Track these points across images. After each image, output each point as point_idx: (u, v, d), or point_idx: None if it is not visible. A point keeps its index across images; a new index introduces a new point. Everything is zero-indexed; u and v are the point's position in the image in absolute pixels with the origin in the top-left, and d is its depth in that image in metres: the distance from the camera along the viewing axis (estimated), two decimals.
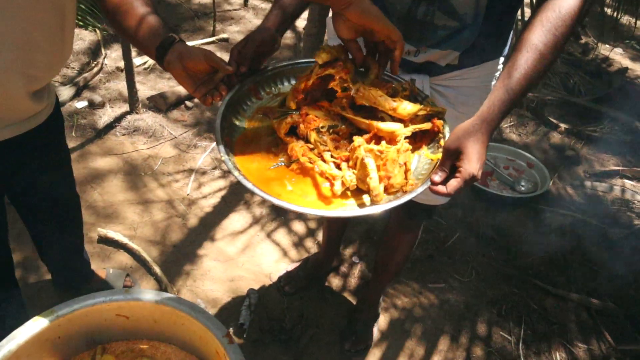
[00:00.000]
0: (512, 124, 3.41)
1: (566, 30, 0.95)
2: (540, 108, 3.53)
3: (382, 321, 2.05)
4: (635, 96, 3.64)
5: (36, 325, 1.27)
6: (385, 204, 0.92)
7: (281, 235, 2.34)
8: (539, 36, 0.95)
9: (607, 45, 4.61)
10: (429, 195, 1.41)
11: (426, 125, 1.07)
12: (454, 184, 0.90)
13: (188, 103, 3.05)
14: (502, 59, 1.30)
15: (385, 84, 1.12)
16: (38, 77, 1.11)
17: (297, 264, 2.15)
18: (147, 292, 1.39)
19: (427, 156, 1.05)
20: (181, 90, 3.01)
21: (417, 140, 1.07)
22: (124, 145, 2.67)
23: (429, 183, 0.93)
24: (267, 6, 4.42)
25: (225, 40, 3.81)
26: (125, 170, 2.51)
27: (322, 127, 1.07)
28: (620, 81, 3.96)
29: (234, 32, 3.94)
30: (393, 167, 0.96)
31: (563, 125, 3.38)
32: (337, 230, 2.01)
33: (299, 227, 2.39)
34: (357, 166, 0.96)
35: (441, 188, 0.91)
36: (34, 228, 1.58)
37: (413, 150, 1.05)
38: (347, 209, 0.94)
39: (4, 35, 0.97)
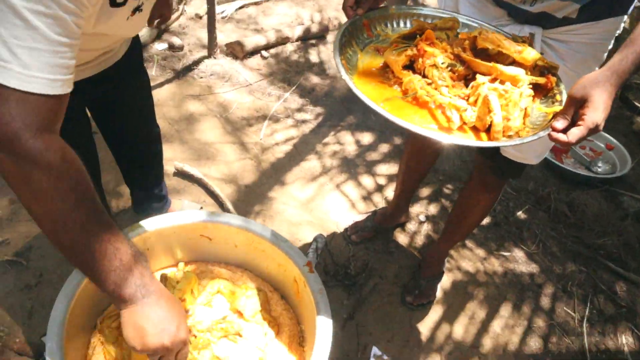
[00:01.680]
0: None
1: None
2: (626, 91, 3.34)
3: (445, 281, 2.05)
4: None
5: (130, 234, 1.35)
6: (505, 141, 0.91)
7: (350, 188, 2.36)
8: None
9: None
10: (523, 152, 1.40)
11: (541, 80, 1.05)
12: (576, 132, 0.88)
13: (264, 53, 3.08)
14: (625, 17, 1.23)
15: (506, 39, 1.10)
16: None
17: (365, 215, 2.17)
18: (234, 217, 1.44)
19: (540, 109, 1.02)
20: (258, 40, 3.04)
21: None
22: (200, 87, 2.74)
23: (548, 130, 0.91)
24: None
25: None
26: (201, 112, 2.59)
27: (442, 63, 1.05)
28: None
29: None
30: (514, 110, 0.95)
31: None
32: (412, 185, 2.01)
33: (367, 181, 2.40)
34: (478, 103, 0.95)
35: (561, 136, 0.89)
36: (119, 153, 1.65)
37: None
38: (468, 140, 0.94)
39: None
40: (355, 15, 1.14)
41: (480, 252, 2.20)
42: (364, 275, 2.00)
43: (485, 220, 2.31)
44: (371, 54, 1.15)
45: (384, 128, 2.70)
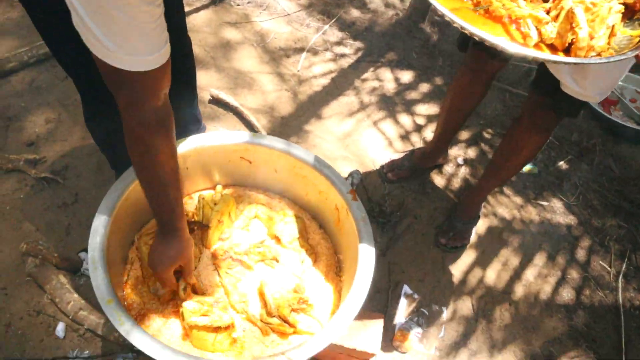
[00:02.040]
0: None
1: None
2: None
3: (481, 226, 2.01)
4: None
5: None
6: (589, 59, 0.84)
7: (388, 125, 2.29)
8: None
9: None
10: (587, 88, 1.30)
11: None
12: None
13: None
14: None
15: None
16: None
17: (402, 154, 2.11)
18: (276, 140, 1.41)
19: (625, 32, 0.93)
20: None
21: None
22: (237, 15, 2.64)
23: (638, 51, 0.83)
24: None
25: None
26: (237, 40, 2.50)
27: None
28: None
29: None
30: (600, 27, 0.86)
31: None
32: (455, 125, 1.93)
33: (406, 120, 2.33)
34: (560, 18, 0.87)
35: None
36: None
37: None
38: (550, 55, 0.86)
39: None
40: None
41: (518, 200, 2.14)
42: (398, 214, 1.98)
43: (525, 168, 2.23)
44: None
45: (426, 67, 2.59)
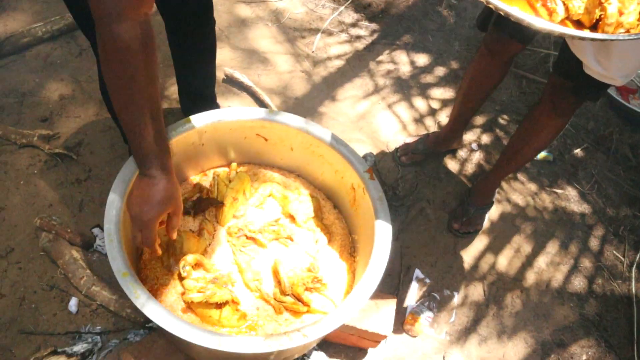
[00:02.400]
0: None
1: None
2: None
3: (494, 212, 1.99)
4: None
5: (188, 125, 1.31)
6: (616, 35, 0.81)
7: (402, 109, 2.26)
8: None
9: None
10: (610, 70, 1.27)
11: None
12: None
13: None
14: None
15: None
16: None
17: (416, 138, 2.09)
18: (293, 117, 1.39)
19: None
20: None
21: None
22: None
23: None
24: None
25: None
26: (252, 19, 2.47)
27: None
28: None
29: None
30: (630, 3, 0.83)
31: None
32: (471, 108, 1.90)
33: (420, 104, 2.30)
34: None
35: None
36: (178, 39, 1.58)
37: None
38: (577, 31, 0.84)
39: None
40: None
41: (532, 187, 2.12)
42: (411, 198, 1.96)
43: (540, 155, 2.20)
44: None
45: (442, 51, 2.55)
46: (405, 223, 1.90)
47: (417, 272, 1.79)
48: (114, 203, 1.11)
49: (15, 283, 1.51)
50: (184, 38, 1.56)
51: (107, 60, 0.93)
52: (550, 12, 0.86)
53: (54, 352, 1.37)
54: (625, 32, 0.85)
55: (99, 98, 1.96)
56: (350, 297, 1.09)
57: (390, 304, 1.41)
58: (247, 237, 1.33)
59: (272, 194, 1.44)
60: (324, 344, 1.53)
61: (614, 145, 2.30)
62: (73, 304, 1.49)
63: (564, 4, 0.86)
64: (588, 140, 2.32)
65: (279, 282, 1.25)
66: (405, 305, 1.71)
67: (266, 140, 1.44)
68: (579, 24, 0.87)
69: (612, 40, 0.82)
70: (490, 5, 0.84)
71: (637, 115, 2.41)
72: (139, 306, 0.96)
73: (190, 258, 1.20)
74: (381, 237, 1.19)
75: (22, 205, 1.66)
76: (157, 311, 0.96)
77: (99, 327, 1.47)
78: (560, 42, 1.45)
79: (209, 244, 1.30)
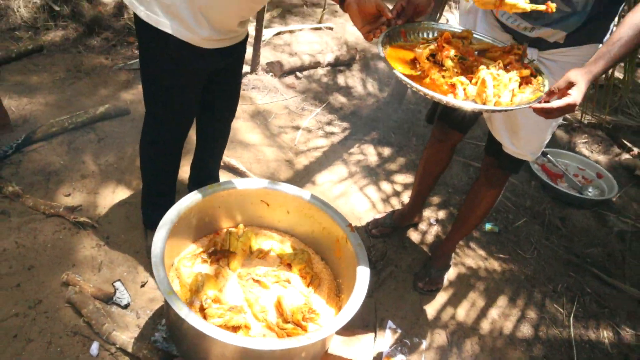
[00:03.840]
0: (585, 140, 3.63)
1: None
2: (616, 131, 3.73)
3: (452, 273, 2.35)
4: None
5: (210, 190, 1.67)
6: (496, 107, 1.25)
7: (371, 191, 2.69)
8: (638, 17, 1.27)
9: None
10: (521, 148, 1.73)
11: (527, 72, 1.39)
12: (559, 102, 1.22)
13: (298, 73, 3.47)
14: (600, 45, 1.58)
15: (505, 47, 1.46)
16: (245, 17, 1.55)
17: (384, 214, 2.49)
18: (290, 186, 1.77)
19: (528, 99, 1.35)
20: (294, 61, 3.44)
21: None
22: (243, 98, 3.10)
23: (529, 104, 1.25)
24: None
25: (330, 28, 4.22)
26: (244, 118, 2.94)
27: (455, 56, 1.40)
28: None
29: (338, 23, 4.35)
30: (504, 89, 1.29)
31: (637, 149, 3.57)
32: (427, 187, 2.33)
33: (386, 187, 2.74)
34: (478, 83, 1.29)
35: (540, 105, 1.23)
36: (205, 126, 1.97)
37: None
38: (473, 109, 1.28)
39: None
40: (395, 24, 1.49)
41: (482, 253, 2.51)
42: (382, 263, 2.31)
43: (488, 228, 2.62)
44: (398, 50, 1.48)
45: (402, 144, 3.05)
46: (378, 284, 2.23)
47: (390, 323, 2.09)
48: (161, 235, 1.43)
49: (42, 330, 1.72)
50: (214, 125, 1.96)
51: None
52: (455, 95, 1.30)
53: None
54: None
55: (116, 178, 2.31)
56: (340, 314, 1.40)
57: (369, 336, 1.71)
58: (254, 280, 1.64)
59: (272, 248, 1.77)
60: None
61: (547, 218, 2.76)
62: (94, 347, 1.70)
63: (464, 90, 1.30)
64: (526, 215, 2.78)
65: (281, 314, 1.54)
66: (381, 350, 1.98)
67: (268, 205, 1.80)
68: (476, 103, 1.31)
69: (490, 110, 1.26)
70: (414, 89, 1.27)
71: (564, 195, 2.91)
72: (183, 316, 1.24)
73: (210, 293, 1.50)
74: (362, 273, 1.53)
75: (49, 265, 1.91)
76: (197, 320, 1.25)
77: None
78: (488, 132, 1.93)
79: (224, 285, 1.60)
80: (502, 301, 2.31)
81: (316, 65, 3.57)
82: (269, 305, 1.58)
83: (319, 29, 4.18)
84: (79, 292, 1.80)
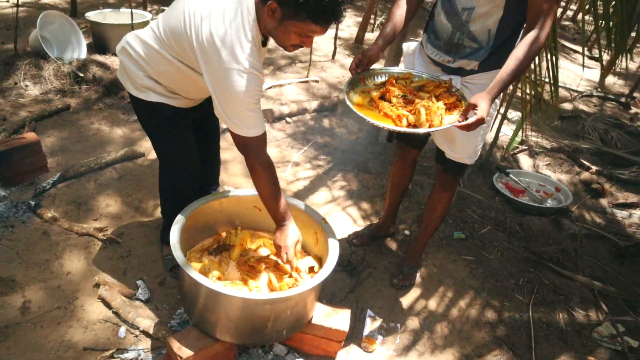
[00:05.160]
0: (548, 163, 4.07)
1: (534, 50, 1.75)
2: (576, 153, 4.18)
3: (423, 272, 2.72)
4: None
5: (214, 196, 2.12)
6: (429, 129, 1.71)
7: (352, 210, 3.11)
8: (520, 52, 1.75)
9: None
10: (459, 154, 2.18)
11: (453, 99, 1.87)
12: (471, 119, 1.68)
13: (288, 119, 3.99)
14: None
15: (435, 82, 1.96)
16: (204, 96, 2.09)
17: (363, 227, 2.90)
18: None
19: (454, 119, 1.82)
20: (284, 109, 3.97)
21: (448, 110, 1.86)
22: None
23: (453, 124, 1.71)
24: (349, 60, 5.43)
25: (316, 81, 4.81)
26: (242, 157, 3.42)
27: (398, 95, 1.88)
28: None
29: (323, 77, 4.94)
30: (434, 115, 1.76)
31: (595, 167, 4.00)
32: (397, 199, 2.76)
33: (366, 206, 3.16)
34: (416, 113, 1.77)
35: (461, 123, 1.69)
36: (204, 150, 2.43)
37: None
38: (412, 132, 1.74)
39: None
40: (356, 73, 1.99)
41: (451, 256, 2.88)
42: (362, 265, 2.69)
43: (456, 235, 3.02)
44: (360, 95, 1.98)
45: (379, 172, 3.51)
46: (359, 282, 2.60)
47: (369, 312, 2.44)
48: (179, 221, 1.86)
49: (80, 319, 2.11)
50: (208, 134, 2.42)
51: (257, 176, 1.85)
52: (400, 122, 1.77)
53: (111, 357, 1.94)
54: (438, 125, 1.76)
55: (134, 206, 2.76)
56: (317, 274, 1.79)
57: (347, 311, 2.07)
58: (250, 265, 2.04)
59: (264, 243, 2.19)
60: (297, 353, 2.11)
61: (508, 225, 3.15)
62: (122, 331, 2.08)
63: (406, 119, 1.77)
64: (491, 224, 3.17)
65: (272, 289, 1.93)
66: (362, 333, 2.33)
67: (260, 210, 2.23)
68: (415, 126, 1.77)
69: (423, 132, 1.72)
70: (369, 122, 1.75)
71: (525, 206, 3.32)
72: (195, 277, 1.65)
73: (215, 272, 1.91)
74: (333, 244, 1.94)
75: (82, 272, 2.32)
76: (207, 279, 1.65)
77: (141, 347, 2.05)
78: (436, 146, 2.37)
79: (225, 269, 2.00)
80: (469, 293, 2.66)
81: (303, 111, 4.10)
82: (263, 284, 1.97)
83: (306, 82, 4.76)
84: (108, 289, 2.20)
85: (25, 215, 2.55)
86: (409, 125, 1.78)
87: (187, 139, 2.12)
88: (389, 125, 1.75)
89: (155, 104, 1.93)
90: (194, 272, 1.69)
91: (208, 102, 2.18)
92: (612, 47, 2.63)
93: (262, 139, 1.78)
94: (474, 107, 1.71)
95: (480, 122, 1.70)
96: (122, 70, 1.96)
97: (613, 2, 2.53)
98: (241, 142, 1.77)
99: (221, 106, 1.69)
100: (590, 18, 2.83)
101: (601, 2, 2.61)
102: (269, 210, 1.91)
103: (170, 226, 2.10)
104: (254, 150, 1.79)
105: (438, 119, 1.77)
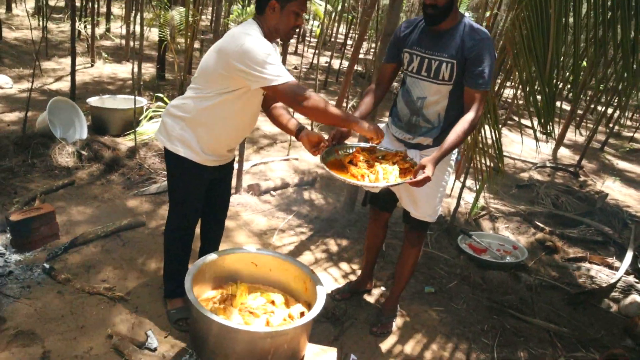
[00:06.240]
0: (506, 225, 4.56)
1: (470, 126, 2.27)
2: (531, 217, 4.69)
3: (399, 320, 3.05)
4: (610, 213, 4.79)
5: (219, 254, 2.48)
6: (386, 184, 2.16)
7: (333, 270, 3.47)
8: (459, 128, 2.27)
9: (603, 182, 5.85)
10: (421, 213, 2.62)
11: (407, 164, 2.34)
12: (419, 177, 2.14)
13: (272, 192, 4.42)
14: None
15: (393, 153, 2.44)
16: (232, 147, 2.52)
17: (344, 284, 3.25)
18: (271, 251, 2.59)
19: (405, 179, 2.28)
20: (269, 184, 4.41)
21: (402, 173, 2.32)
22: (231, 212, 3.99)
23: (406, 180, 2.17)
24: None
25: (296, 159, 5.31)
26: (233, 227, 3.79)
27: (362, 159, 2.35)
28: (601, 203, 5.14)
29: (302, 155, 5.46)
30: (390, 175, 2.21)
31: (548, 228, 4.50)
32: (373, 257, 3.14)
33: (345, 266, 3.53)
34: (376, 173, 2.22)
35: (412, 180, 2.15)
36: (209, 219, 2.79)
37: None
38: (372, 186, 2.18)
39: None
40: (332, 145, 2.46)
41: (423, 307, 3.23)
42: (344, 317, 3.01)
43: (426, 289, 3.39)
44: (333, 162, 2.43)
45: (356, 237, 3.91)
46: (342, 331, 2.91)
47: (353, 356, 2.74)
48: (188, 281, 2.19)
49: None
50: (214, 216, 2.78)
51: (308, 109, 2.11)
52: (362, 178, 2.21)
53: None
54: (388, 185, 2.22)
55: (138, 268, 3.07)
56: (308, 313, 2.13)
57: (333, 350, 2.38)
58: (249, 312, 2.36)
59: (261, 294, 2.52)
60: None
61: (472, 279, 3.55)
62: None
63: (368, 177, 2.22)
64: (457, 279, 3.56)
65: None
66: None
67: (256, 265, 2.58)
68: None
69: (381, 186, 2.17)
70: (340, 180, 2.20)
71: (487, 262, 3.74)
72: (204, 313, 1.97)
73: (221, 316, 2.22)
74: (320, 289, 2.29)
75: (95, 326, 2.58)
76: (216, 316, 1.97)
77: None
78: (403, 208, 2.81)
79: (229, 315, 2.32)
80: (440, 338, 2.99)
81: (286, 185, 4.54)
82: (261, 326, 2.29)
83: (287, 159, 5.26)
84: (120, 339, 2.46)
85: (40, 277, 2.83)
86: (371, 181, 2.21)
87: (198, 189, 2.50)
88: (354, 181, 2.18)
89: (182, 157, 2.35)
90: (206, 310, 2.02)
91: (226, 168, 2.59)
92: (541, 122, 3.22)
93: (299, 84, 2.10)
94: (422, 167, 2.17)
95: (427, 179, 2.15)
96: (161, 126, 2.41)
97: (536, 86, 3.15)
98: (286, 91, 2.05)
99: (253, 71, 2.01)
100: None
101: (528, 87, 3.22)
102: (339, 124, 2.25)
103: (170, 275, 2.43)
104: (299, 91, 2.05)
105: (393, 178, 2.21)
